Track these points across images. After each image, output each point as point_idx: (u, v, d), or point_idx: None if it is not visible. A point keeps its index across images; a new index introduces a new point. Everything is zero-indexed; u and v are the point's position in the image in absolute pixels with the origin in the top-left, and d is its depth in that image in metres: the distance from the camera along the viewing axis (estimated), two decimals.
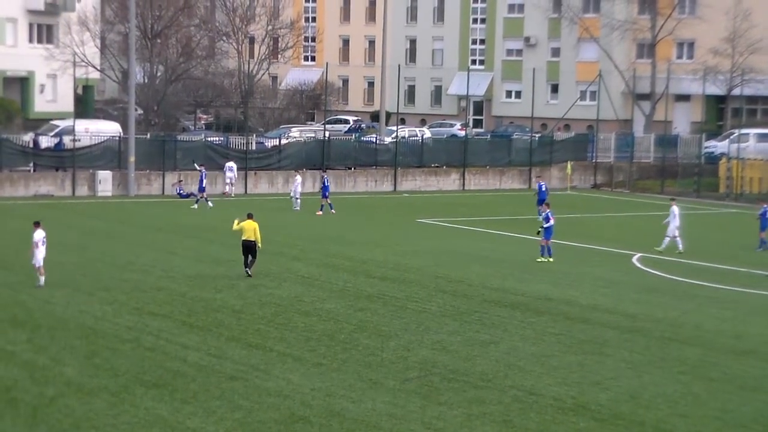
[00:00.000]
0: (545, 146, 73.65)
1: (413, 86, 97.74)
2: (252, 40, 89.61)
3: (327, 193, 53.01)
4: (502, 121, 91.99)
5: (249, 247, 34.54)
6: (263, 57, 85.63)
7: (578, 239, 46.38)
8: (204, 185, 54.75)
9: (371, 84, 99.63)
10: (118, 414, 20.39)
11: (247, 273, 34.52)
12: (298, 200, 53.93)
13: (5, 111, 72.80)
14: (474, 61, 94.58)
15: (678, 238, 42.98)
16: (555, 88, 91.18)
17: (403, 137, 72.93)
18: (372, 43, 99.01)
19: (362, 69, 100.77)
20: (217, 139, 66.92)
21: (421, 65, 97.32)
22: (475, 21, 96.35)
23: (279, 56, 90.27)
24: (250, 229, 34.45)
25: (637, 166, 74.29)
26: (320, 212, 52.18)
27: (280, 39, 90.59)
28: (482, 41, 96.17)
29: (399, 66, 77.30)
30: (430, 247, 42.71)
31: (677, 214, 42.99)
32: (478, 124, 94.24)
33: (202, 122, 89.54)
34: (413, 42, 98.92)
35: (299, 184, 54.86)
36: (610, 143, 75.62)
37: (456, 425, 20.59)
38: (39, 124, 68.30)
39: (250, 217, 34.92)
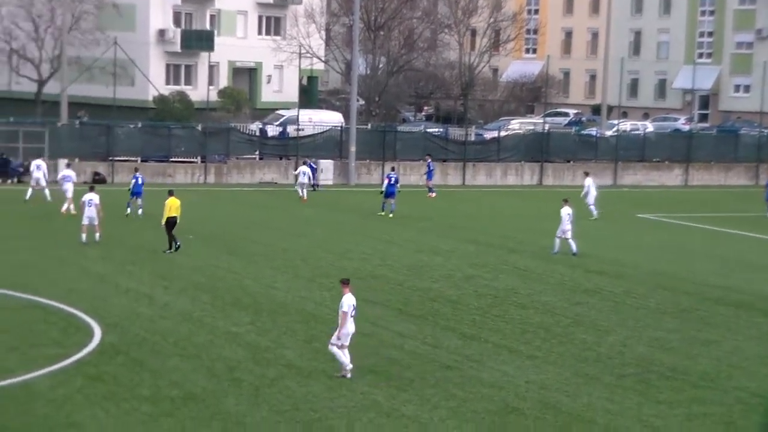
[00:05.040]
0: None
1: (636, 79, 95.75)
2: (473, 33, 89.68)
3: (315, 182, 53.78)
4: (730, 116, 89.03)
5: (173, 224, 34.90)
6: (484, 49, 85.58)
7: None
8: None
9: (593, 77, 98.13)
10: (336, 398, 20.77)
11: (177, 248, 34.63)
12: (304, 189, 50.75)
13: (234, 100, 75.14)
14: (701, 54, 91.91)
15: (592, 207, 48.03)
16: None
17: (624, 131, 71.56)
18: (595, 35, 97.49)
19: (584, 62, 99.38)
20: (437, 130, 67.29)
21: (645, 58, 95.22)
22: (703, 13, 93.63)
23: (500, 48, 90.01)
24: (175, 207, 34.86)
25: None
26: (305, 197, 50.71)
27: (501, 31, 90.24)
28: (710, 34, 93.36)
29: (622, 59, 76.00)
30: (650, 243, 41.79)
31: (592, 186, 48.92)
32: (703, 118, 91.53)
33: (422, 113, 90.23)
34: (638, 34, 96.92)
35: (303, 173, 51.40)
36: None
37: (675, 424, 20.07)
38: (265, 113, 70.27)
39: (171, 194, 35.35)
